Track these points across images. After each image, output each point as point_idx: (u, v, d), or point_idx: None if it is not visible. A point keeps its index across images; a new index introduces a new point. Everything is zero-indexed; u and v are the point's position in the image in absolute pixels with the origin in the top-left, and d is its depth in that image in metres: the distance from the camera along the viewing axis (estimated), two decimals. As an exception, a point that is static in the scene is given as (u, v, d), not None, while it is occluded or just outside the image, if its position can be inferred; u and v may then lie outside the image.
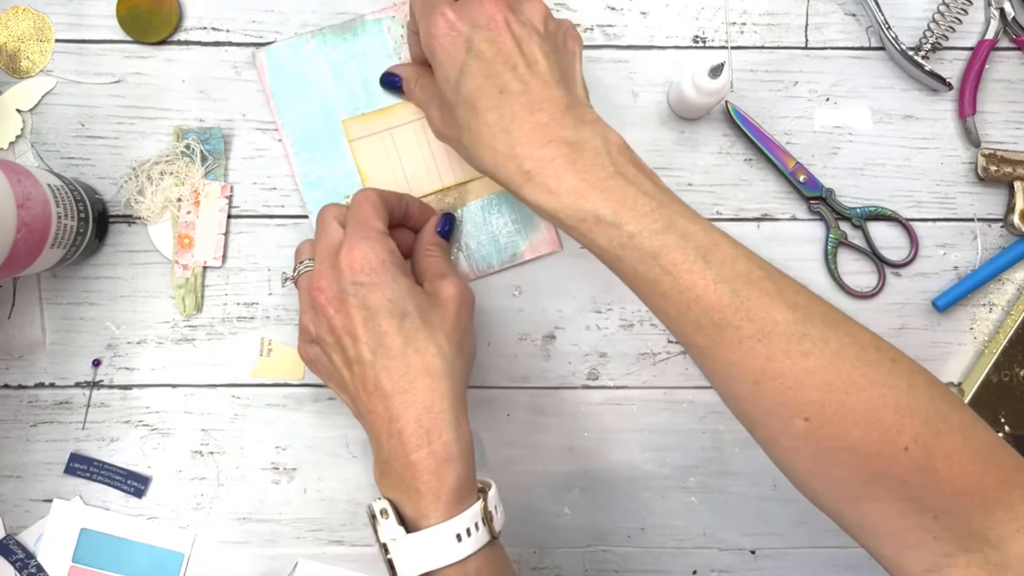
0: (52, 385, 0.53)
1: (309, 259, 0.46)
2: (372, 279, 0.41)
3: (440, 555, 0.39)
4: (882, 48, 0.55)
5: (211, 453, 0.53)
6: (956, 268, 0.55)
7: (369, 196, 0.45)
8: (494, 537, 0.41)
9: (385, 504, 0.40)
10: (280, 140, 0.53)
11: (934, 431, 0.35)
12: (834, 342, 0.36)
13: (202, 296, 0.53)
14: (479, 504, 0.40)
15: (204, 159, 0.52)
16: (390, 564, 0.39)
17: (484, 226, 0.53)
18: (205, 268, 0.53)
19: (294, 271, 0.47)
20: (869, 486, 0.35)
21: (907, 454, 0.34)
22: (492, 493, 0.41)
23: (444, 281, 0.45)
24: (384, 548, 0.39)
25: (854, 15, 0.55)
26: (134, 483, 0.52)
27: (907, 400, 0.35)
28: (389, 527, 0.39)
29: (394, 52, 0.53)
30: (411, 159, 0.53)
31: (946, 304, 0.53)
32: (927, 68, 0.53)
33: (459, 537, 0.39)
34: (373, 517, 0.40)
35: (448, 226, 0.50)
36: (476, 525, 0.39)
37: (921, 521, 0.35)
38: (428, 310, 0.42)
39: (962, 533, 0.35)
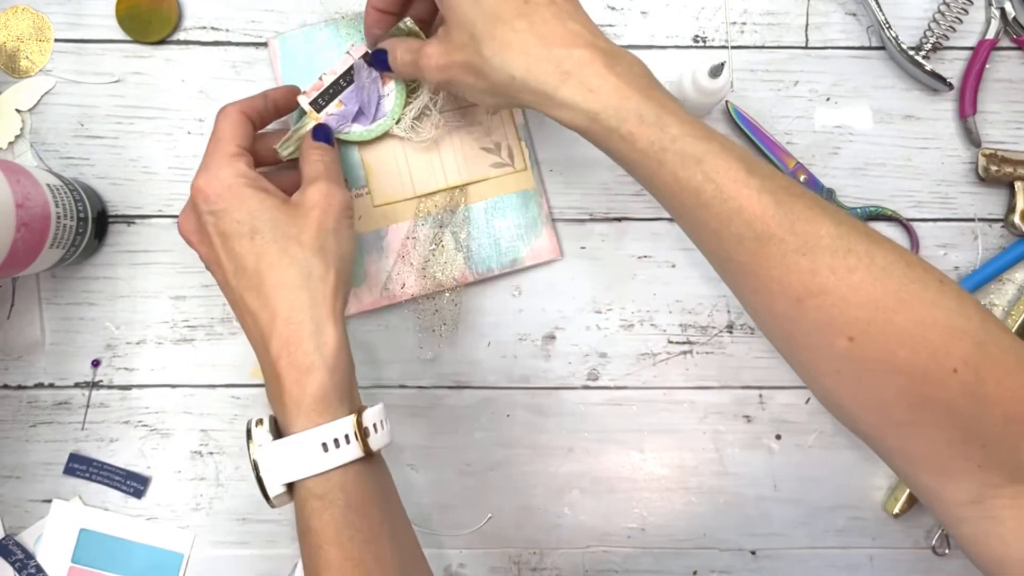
0: (51, 385, 0.53)
1: None
2: (220, 205, 0.41)
3: (303, 464, 0.38)
4: (883, 48, 0.55)
5: (211, 454, 0.53)
6: (957, 268, 0.55)
7: (227, 113, 0.44)
8: (368, 454, 0.39)
9: (263, 415, 0.40)
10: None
11: (985, 353, 0.32)
12: (880, 258, 0.34)
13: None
14: (351, 417, 0.39)
15: None
16: (258, 478, 0.39)
17: (486, 228, 0.53)
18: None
19: None
20: (914, 410, 0.33)
21: (956, 376, 0.32)
22: (374, 410, 0.40)
23: (311, 187, 0.43)
24: (255, 465, 0.39)
25: (854, 14, 0.55)
26: (133, 483, 0.52)
27: (957, 320, 0.33)
28: (259, 434, 0.39)
29: None
30: (416, 156, 0.53)
31: (947, 304, 0.53)
32: (928, 68, 0.53)
33: (324, 447, 0.38)
34: (248, 432, 0.40)
35: (323, 134, 0.48)
36: (347, 438, 0.38)
37: (967, 449, 0.33)
38: (283, 222, 0.41)
39: (1010, 463, 0.33)
